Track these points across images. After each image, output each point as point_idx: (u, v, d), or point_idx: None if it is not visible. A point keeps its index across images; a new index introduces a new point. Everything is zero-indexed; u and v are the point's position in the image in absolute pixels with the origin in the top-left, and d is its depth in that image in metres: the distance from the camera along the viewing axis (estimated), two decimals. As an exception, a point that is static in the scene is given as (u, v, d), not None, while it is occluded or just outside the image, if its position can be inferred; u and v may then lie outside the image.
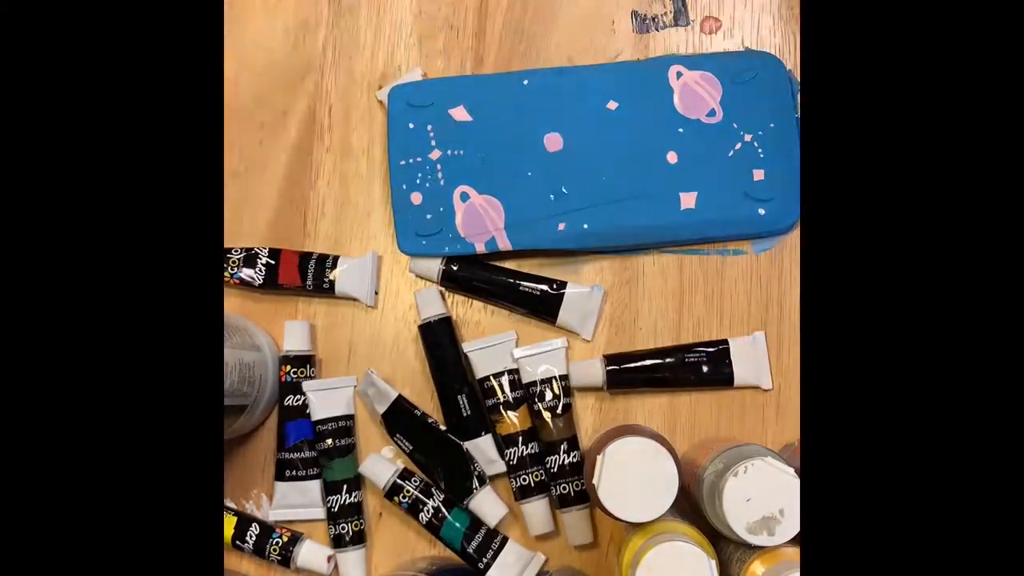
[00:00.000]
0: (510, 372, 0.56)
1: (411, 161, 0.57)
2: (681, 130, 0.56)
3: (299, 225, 0.59)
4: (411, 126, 0.57)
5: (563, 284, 0.56)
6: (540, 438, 0.55)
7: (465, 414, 0.56)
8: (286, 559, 0.55)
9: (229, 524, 0.55)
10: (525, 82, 0.57)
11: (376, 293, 0.58)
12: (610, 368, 0.55)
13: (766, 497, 0.43)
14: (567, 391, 0.56)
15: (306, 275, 0.57)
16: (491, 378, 0.56)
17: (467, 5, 0.60)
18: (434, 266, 0.57)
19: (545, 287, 0.56)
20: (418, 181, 0.57)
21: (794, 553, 0.44)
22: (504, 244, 0.56)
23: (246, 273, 0.57)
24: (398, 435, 0.55)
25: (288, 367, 0.57)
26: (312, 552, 0.55)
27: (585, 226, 0.55)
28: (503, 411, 0.55)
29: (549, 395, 0.55)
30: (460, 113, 0.57)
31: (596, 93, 0.57)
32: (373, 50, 0.61)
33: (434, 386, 0.57)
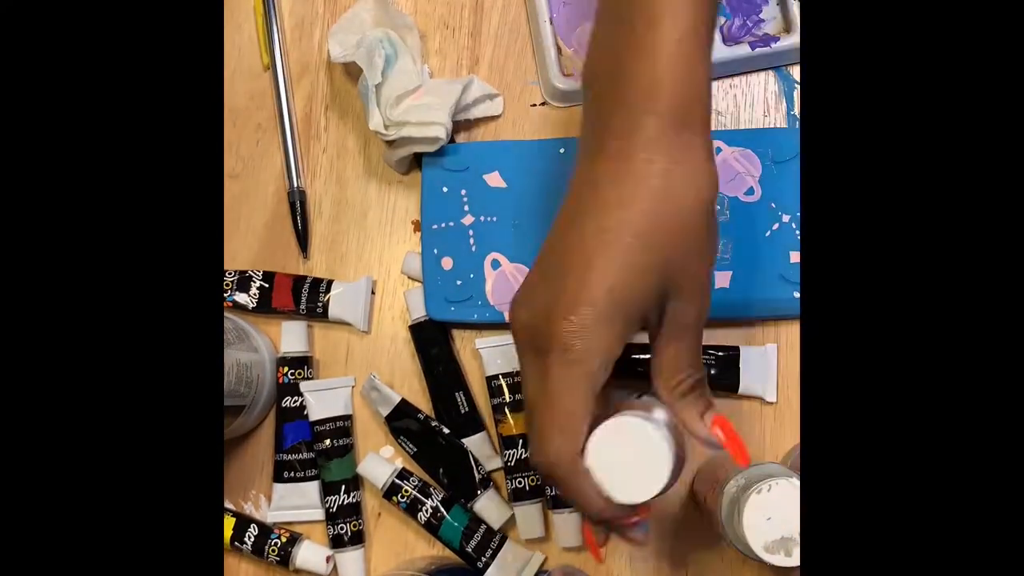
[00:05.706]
0: (519, 373, 0.56)
1: (444, 226, 0.56)
2: (718, 207, 0.54)
3: (296, 225, 0.59)
4: (445, 190, 0.56)
5: None
6: (540, 439, 0.55)
7: (463, 411, 0.56)
8: (285, 559, 0.55)
9: (228, 525, 0.55)
10: (561, 150, 0.56)
11: (369, 318, 0.58)
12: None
13: (787, 517, 0.43)
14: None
15: (299, 299, 0.57)
16: (499, 377, 0.56)
17: (463, 3, 0.60)
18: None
19: None
20: (450, 246, 0.56)
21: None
22: None
23: (240, 297, 0.57)
24: (402, 437, 0.55)
25: (285, 368, 0.57)
26: (311, 552, 0.55)
27: None
28: (507, 412, 0.55)
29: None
30: (495, 179, 0.56)
31: None
32: (369, 50, 0.60)
33: (426, 385, 0.57)
